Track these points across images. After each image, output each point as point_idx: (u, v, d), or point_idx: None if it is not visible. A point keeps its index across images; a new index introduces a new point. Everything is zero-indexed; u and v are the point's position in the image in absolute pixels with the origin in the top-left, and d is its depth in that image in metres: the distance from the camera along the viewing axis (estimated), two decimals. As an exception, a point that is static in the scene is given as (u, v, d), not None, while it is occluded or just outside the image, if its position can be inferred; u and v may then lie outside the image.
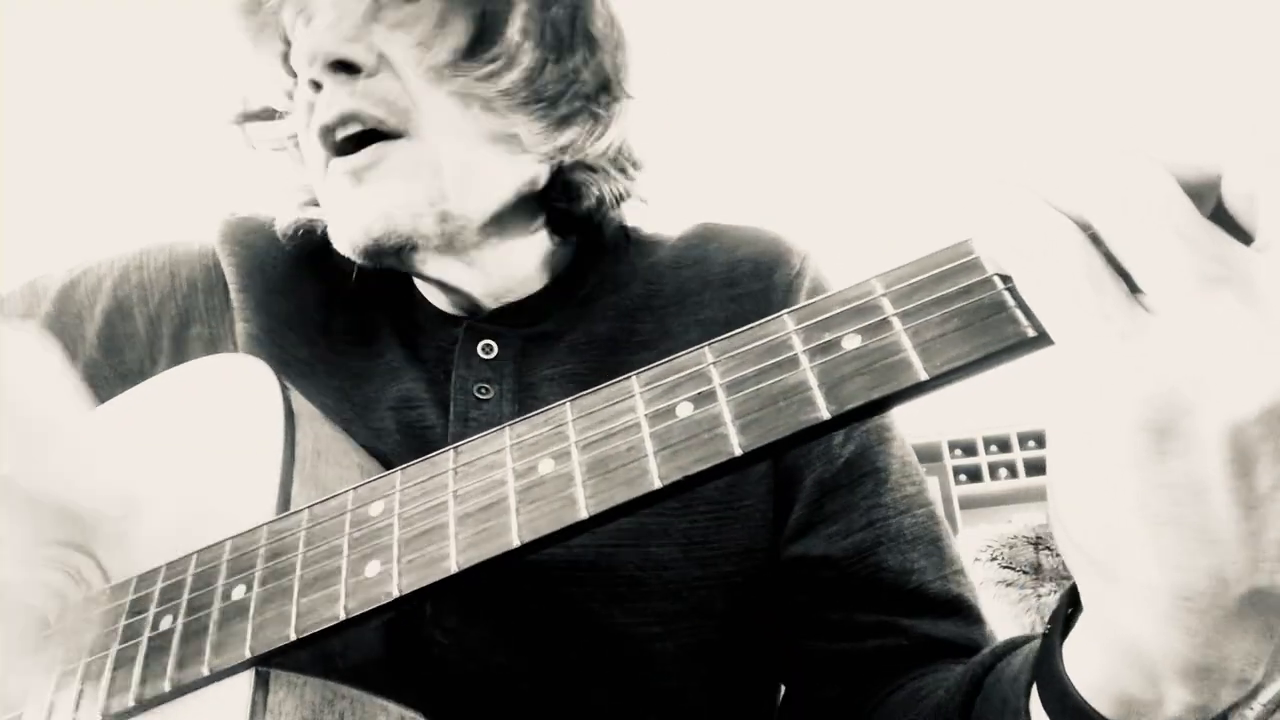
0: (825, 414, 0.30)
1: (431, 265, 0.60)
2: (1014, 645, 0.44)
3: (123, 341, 0.63)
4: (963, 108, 2.01)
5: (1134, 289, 0.27)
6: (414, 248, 0.56)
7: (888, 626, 0.56)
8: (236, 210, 0.69)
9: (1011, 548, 1.71)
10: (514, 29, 0.55)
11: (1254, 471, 0.25)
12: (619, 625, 0.55)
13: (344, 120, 0.54)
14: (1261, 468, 0.25)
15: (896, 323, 0.31)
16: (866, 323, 0.32)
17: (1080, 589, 0.32)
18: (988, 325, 0.29)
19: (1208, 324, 0.25)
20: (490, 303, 0.64)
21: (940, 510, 0.62)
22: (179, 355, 0.62)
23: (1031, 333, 0.29)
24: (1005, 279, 0.30)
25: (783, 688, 0.65)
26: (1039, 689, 0.36)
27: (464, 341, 0.62)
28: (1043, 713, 0.36)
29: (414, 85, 0.54)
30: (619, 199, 0.64)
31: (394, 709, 0.44)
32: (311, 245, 0.64)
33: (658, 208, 0.70)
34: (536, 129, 0.57)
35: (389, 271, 0.66)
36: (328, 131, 0.54)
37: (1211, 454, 0.25)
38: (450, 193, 0.55)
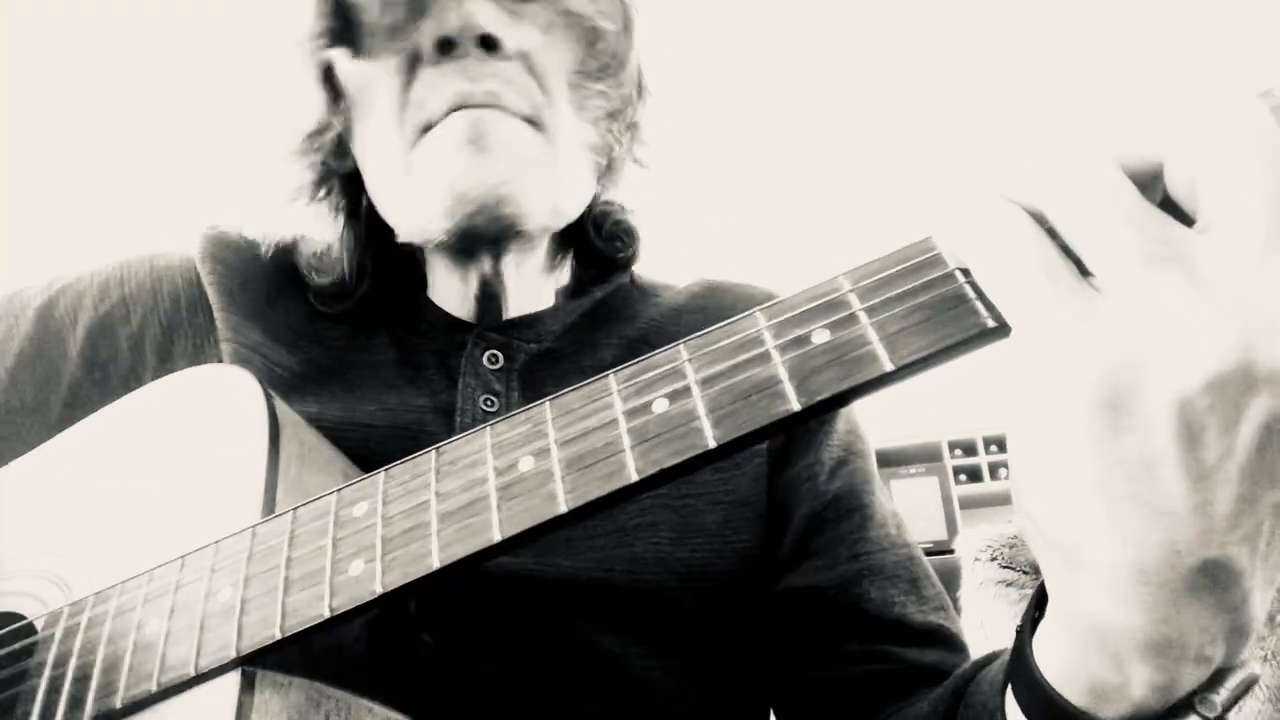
0: (796, 405, 0.31)
1: (511, 256, 0.61)
2: (995, 655, 0.45)
3: (106, 359, 0.62)
4: (927, 109, 2.03)
5: (1085, 273, 0.27)
6: (517, 232, 0.56)
7: (874, 654, 0.57)
8: (216, 224, 0.69)
9: (1011, 548, 1.71)
10: (632, 64, 0.61)
11: (1201, 443, 0.26)
12: (606, 647, 0.55)
13: (488, 100, 0.54)
14: (1208, 439, 0.25)
15: (863, 317, 0.32)
16: (834, 318, 0.32)
17: (1046, 578, 0.33)
18: (950, 317, 0.30)
19: (1154, 302, 0.26)
20: (508, 308, 0.65)
21: (919, 553, 0.64)
22: (164, 371, 0.61)
23: (991, 323, 0.29)
24: (965, 272, 0.30)
25: (773, 716, 0.66)
26: (1013, 686, 0.37)
27: (471, 349, 0.62)
28: (1018, 710, 0.37)
29: (551, 82, 0.56)
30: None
31: (380, 710, 0.44)
32: (294, 260, 0.65)
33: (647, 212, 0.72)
34: (619, 153, 0.63)
35: (391, 274, 0.67)
36: (456, 103, 0.54)
37: (1160, 427, 0.26)
38: (564, 187, 0.58)
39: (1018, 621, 0.37)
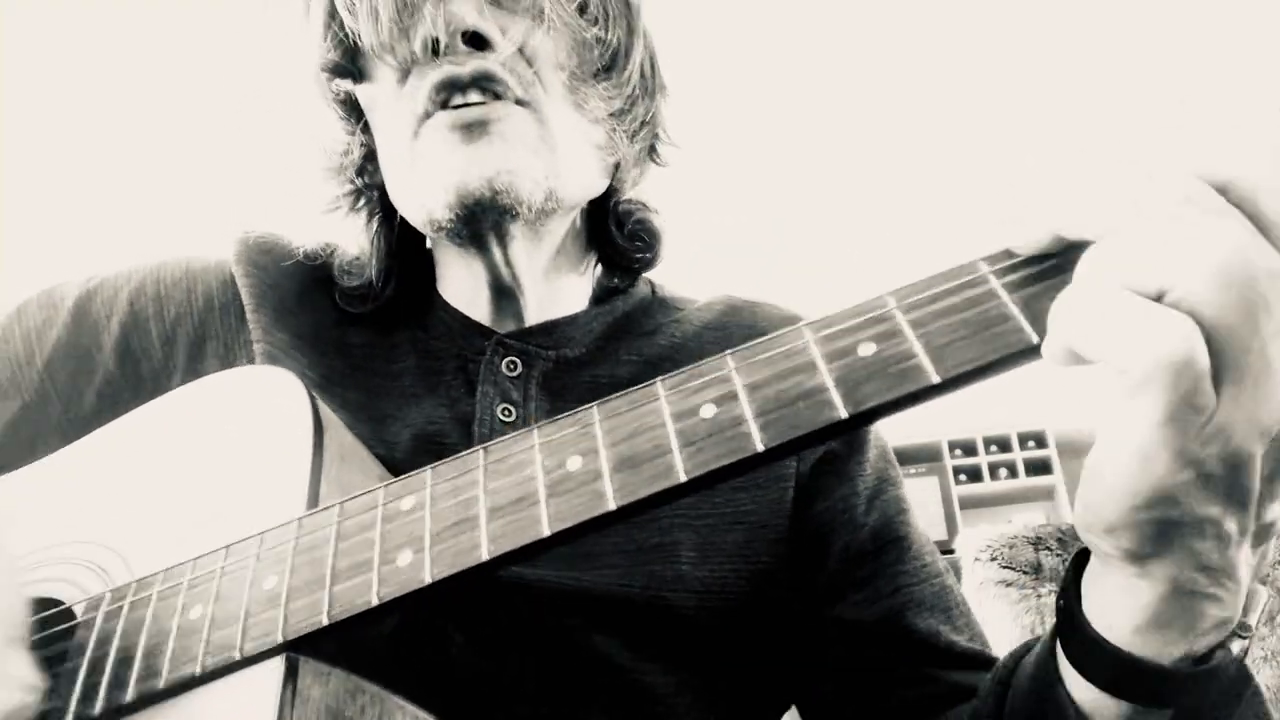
0: (843, 413, 0.32)
1: (518, 244, 0.61)
2: (1031, 644, 0.46)
3: (138, 354, 0.63)
4: (945, 118, 2.03)
5: None
6: (515, 215, 0.57)
7: (923, 678, 0.59)
8: (252, 230, 0.70)
9: (1011, 548, 1.73)
10: (634, 65, 0.61)
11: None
12: (621, 661, 0.56)
13: (475, 79, 0.54)
14: None
15: (909, 331, 0.33)
16: (880, 331, 0.34)
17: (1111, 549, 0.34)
18: (995, 334, 0.31)
19: None
20: (528, 315, 0.65)
21: (951, 578, 0.65)
22: (194, 370, 0.62)
23: (1035, 340, 0.31)
24: (1008, 289, 0.32)
25: None
26: (1073, 655, 0.39)
27: (490, 355, 0.63)
28: (1077, 677, 0.39)
29: (546, 75, 0.57)
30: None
31: (410, 709, 0.45)
32: (329, 267, 0.66)
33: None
34: (626, 154, 0.63)
35: (413, 282, 0.68)
36: (446, 87, 0.54)
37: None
38: (561, 172, 0.58)
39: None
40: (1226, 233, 0.29)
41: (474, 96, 0.55)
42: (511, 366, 0.63)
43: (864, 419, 0.32)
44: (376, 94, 0.59)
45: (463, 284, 0.66)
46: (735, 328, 0.70)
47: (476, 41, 0.54)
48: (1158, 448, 0.29)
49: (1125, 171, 0.30)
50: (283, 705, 0.40)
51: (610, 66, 0.60)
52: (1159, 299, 0.29)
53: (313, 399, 0.51)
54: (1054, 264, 0.33)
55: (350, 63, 0.58)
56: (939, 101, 2.00)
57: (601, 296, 0.70)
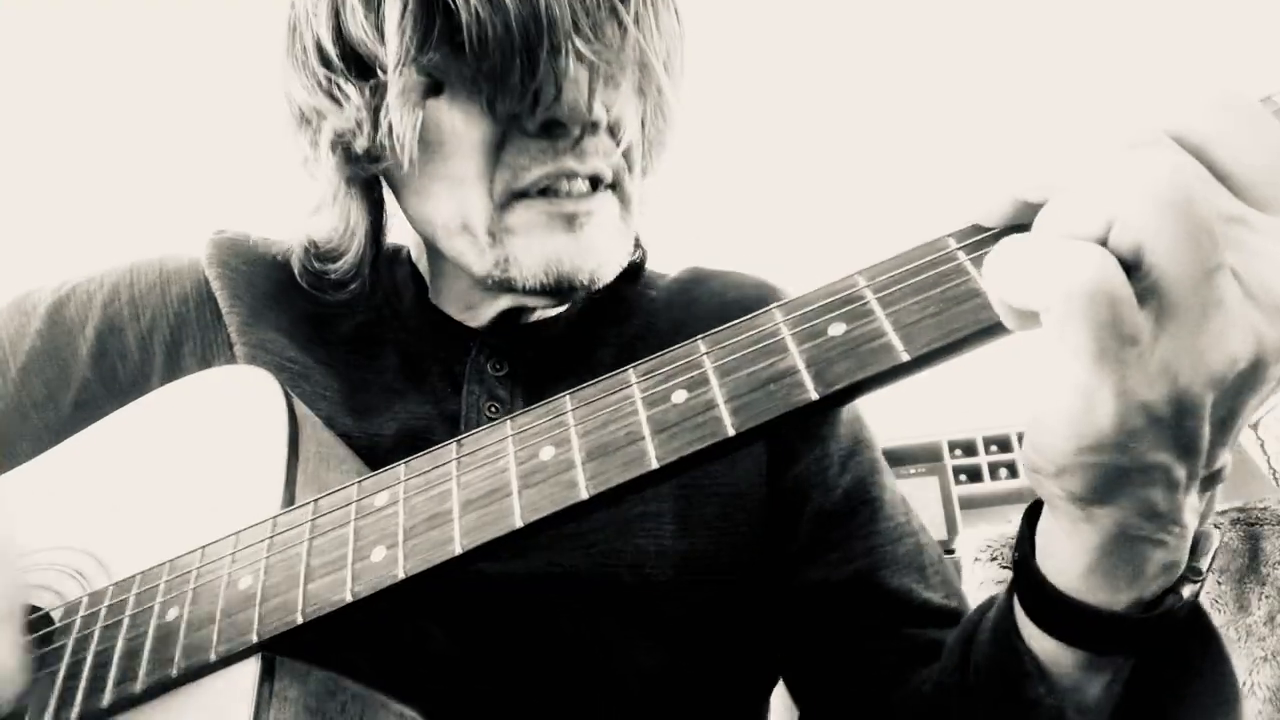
0: (814, 394, 0.32)
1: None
2: (994, 600, 0.46)
3: (115, 359, 0.63)
4: (943, 110, 2.03)
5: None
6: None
7: (899, 635, 0.59)
8: (224, 229, 0.69)
9: (1011, 548, 1.71)
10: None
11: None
12: (609, 639, 0.56)
13: (592, 178, 0.55)
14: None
15: (878, 310, 0.33)
16: (850, 310, 0.33)
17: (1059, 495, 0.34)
18: (964, 310, 0.31)
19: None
20: (515, 320, 0.65)
21: (926, 536, 0.66)
22: (172, 372, 0.62)
23: (1005, 316, 0.30)
24: (977, 264, 0.31)
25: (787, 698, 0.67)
26: (1027, 606, 0.39)
27: (476, 356, 0.63)
28: (1032, 627, 0.39)
29: (634, 153, 0.58)
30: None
31: (394, 705, 0.45)
32: (310, 260, 0.64)
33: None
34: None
35: (400, 279, 0.68)
36: (556, 178, 0.54)
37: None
38: (629, 244, 0.61)
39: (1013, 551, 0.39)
40: (1165, 160, 0.28)
41: (578, 186, 0.55)
42: (497, 367, 0.63)
43: (835, 399, 0.32)
44: (459, 125, 0.54)
45: (464, 299, 0.65)
46: (704, 300, 0.71)
47: (595, 128, 0.54)
48: (1097, 384, 0.28)
49: (1077, 129, 0.30)
50: (259, 705, 0.40)
51: (669, 119, 0.61)
52: (1105, 237, 0.28)
53: (288, 396, 0.51)
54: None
55: (430, 76, 0.53)
56: (912, 74, 2.00)
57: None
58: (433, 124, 0.54)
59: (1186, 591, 0.35)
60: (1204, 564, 0.35)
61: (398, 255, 0.71)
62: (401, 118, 0.52)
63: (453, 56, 0.52)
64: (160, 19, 1.66)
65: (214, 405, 0.53)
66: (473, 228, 0.56)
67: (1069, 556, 0.35)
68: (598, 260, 0.56)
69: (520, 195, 0.55)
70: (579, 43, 0.50)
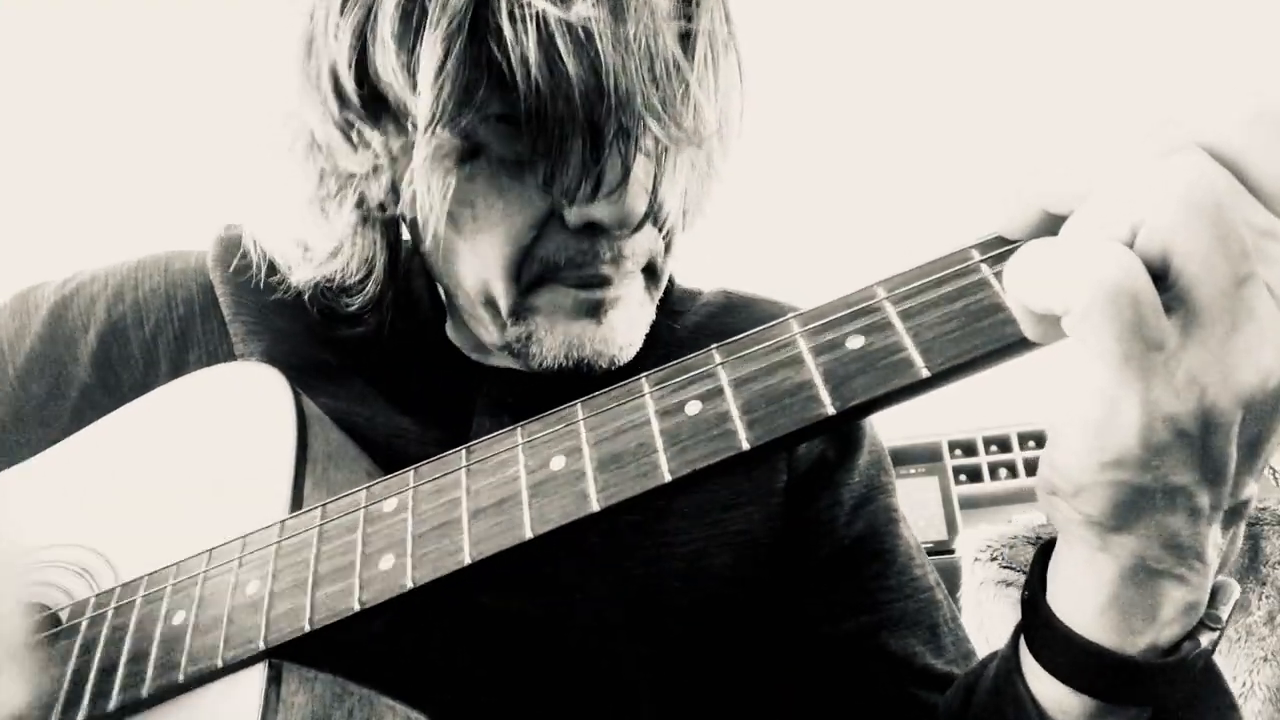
0: (830, 409, 0.31)
1: None
2: (996, 654, 0.45)
3: (118, 364, 0.61)
4: (967, 119, 2.02)
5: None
6: None
7: (899, 698, 0.57)
8: (233, 226, 0.65)
9: (1011, 548, 1.72)
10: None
11: None
12: (609, 683, 0.55)
13: (625, 275, 0.51)
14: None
15: (898, 324, 0.32)
16: (869, 323, 0.33)
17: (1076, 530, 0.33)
18: (985, 326, 0.30)
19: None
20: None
21: (942, 593, 0.63)
22: (176, 378, 0.59)
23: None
24: (1001, 278, 0.31)
25: None
26: (1036, 648, 0.37)
27: (488, 390, 0.60)
28: (1040, 672, 0.37)
29: (674, 234, 0.54)
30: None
31: (401, 709, 0.45)
32: (324, 295, 0.60)
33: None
34: None
35: (417, 298, 0.64)
36: (589, 281, 0.51)
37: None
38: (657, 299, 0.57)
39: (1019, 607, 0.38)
40: (1194, 166, 0.27)
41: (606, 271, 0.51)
42: (509, 400, 0.60)
43: (852, 414, 0.31)
44: (480, 192, 0.48)
45: (478, 339, 0.60)
46: (733, 326, 0.66)
47: (640, 224, 0.49)
48: (1121, 391, 0.28)
49: (1105, 139, 0.29)
50: (266, 711, 0.40)
51: (712, 183, 0.55)
52: (1131, 242, 0.27)
53: (297, 395, 0.50)
54: None
55: (468, 139, 0.46)
56: (933, 82, 2.00)
57: None
58: (464, 193, 0.47)
59: (1205, 640, 0.34)
60: (1224, 612, 0.34)
61: (411, 279, 0.66)
62: (430, 187, 0.46)
63: (498, 122, 0.45)
64: (166, 13, 1.65)
65: (222, 402, 0.53)
66: (496, 303, 0.52)
67: (1083, 592, 0.34)
68: (619, 345, 0.53)
69: (548, 280, 0.51)
70: (651, 123, 0.43)
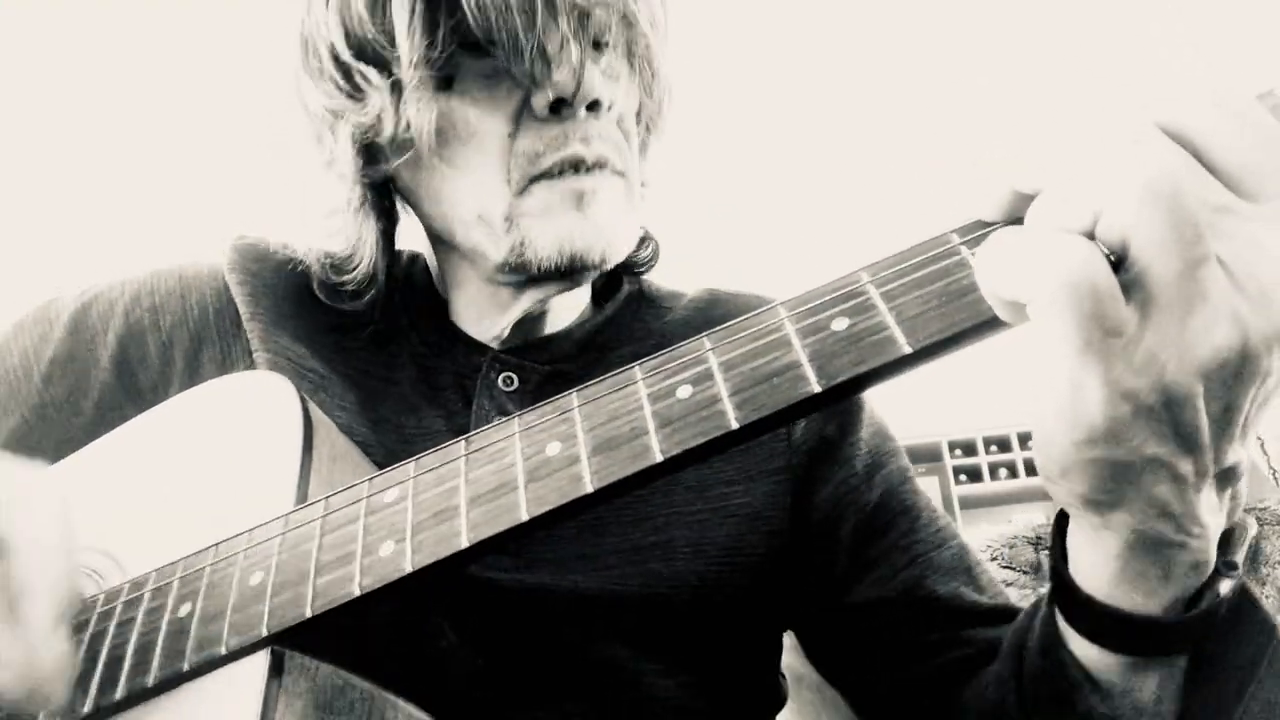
0: (816, 387, 0.32)
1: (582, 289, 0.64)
2: (1041, 601, 0.47)
3: (136, 365, 0.64)
4: (945, 108, 2.04)
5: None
6: (597, 268, 0.60)
7: (954, 640, 0.59)
8: (245, 235, 0.70)
9: (1011, 548, 1.73)
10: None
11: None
12: (618, 661, 0.57)
13: (597, 163, 0.57)
14: None
15: (881, 305, 0.33)
16: (854, 305, 0.34)
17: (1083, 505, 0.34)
18: (966, 303, 0.31)
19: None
20: (533, 330, 0.66)
21: (964, 538, 0.66)
22: (192, 378, 0.62)
23: (1006, 309, 0.31)
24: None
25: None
26: (1068, 616, 0.40)
27: (487, 371, 0.64)
28: (1076, 636, 0.39)
29: (633, 138, 0.61)
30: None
31: (403, 706, 0.45)
32: (325, 272, 0.64)
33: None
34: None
35: (418, 288, 0.69)
36: (570, 165, 0.57)
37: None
38: (635, 230, 0.62)
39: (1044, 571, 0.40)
40: (1154, 153, 0.28)
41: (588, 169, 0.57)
42: (508, 382, 0.64)
43: (838, 392, 0.32)
44: (472, 117, 0.57)
45: (481, 313, 0.66)
46: (719, 320, 0.70)
47: (593, 105, 0.56)
48: (1083, 375, 0.29)
49: (1071, 121, 0.30)
50: (268, 700, 0.40)
51: (661, 106, 0.64)
52: (1092, 229, 0.29)
53: (303, 400, 0.52)
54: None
55: (441, 70, 0.56)
56: (913, 73, 2.01)
57: (594, 299, 0.72)
58: (447, 118, 0.56)
59: (1224, 586, 0.35)
60: (1239, 556, 0.35)
61: (415, 263, 0.72)
62: (418, 111, 0.55)
63: (462, 53, 0.55)
64: (176, 21, 1.67)
65: (231, 410, 0.54)
66: (489, 217, 0.58)
67: (1095, 565, 0.36)
68: (607, 239, 0.58)
69: (537, 178, 0.57)
70: None
